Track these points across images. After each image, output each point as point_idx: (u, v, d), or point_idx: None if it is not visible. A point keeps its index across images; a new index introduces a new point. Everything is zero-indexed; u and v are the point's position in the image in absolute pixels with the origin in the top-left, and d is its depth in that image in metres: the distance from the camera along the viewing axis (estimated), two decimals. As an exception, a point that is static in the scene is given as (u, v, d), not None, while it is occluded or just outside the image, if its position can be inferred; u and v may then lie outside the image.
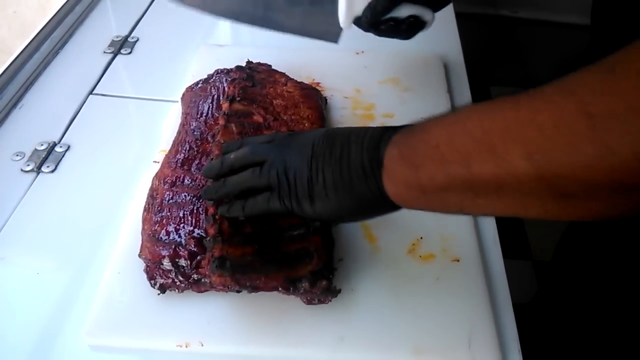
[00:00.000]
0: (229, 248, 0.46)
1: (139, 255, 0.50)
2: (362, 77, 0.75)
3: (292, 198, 0.43)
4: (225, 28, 0.89)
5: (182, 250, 0.49)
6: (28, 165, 0.62)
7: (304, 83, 0.69)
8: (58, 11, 0.84)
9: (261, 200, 0.45)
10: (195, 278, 0.49)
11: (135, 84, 0.76)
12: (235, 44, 0.83)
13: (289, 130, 0.59)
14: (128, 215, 0.56)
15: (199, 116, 0.62)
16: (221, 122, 0.58)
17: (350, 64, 0.76)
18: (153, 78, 0.77)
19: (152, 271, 0.49)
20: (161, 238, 0.50)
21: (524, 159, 0.31)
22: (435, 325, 0.48)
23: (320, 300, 0.49)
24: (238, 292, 0.49)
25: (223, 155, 0.50)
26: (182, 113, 0.65)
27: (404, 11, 0.59)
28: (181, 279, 0.49)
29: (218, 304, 0.49)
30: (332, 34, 0.63)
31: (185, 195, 0.53)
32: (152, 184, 0.56)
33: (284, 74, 0.69)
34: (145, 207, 0.54)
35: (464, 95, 0.75)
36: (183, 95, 0.68)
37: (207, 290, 0.50)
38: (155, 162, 0.61)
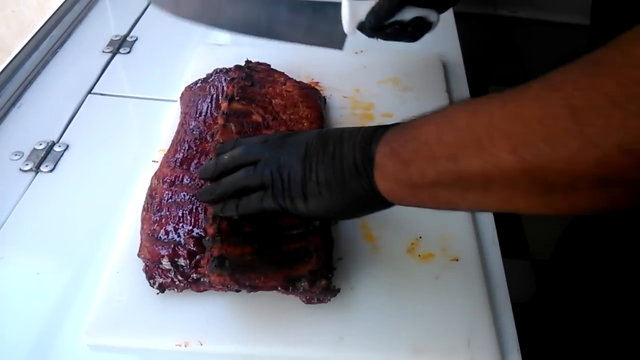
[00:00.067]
0: (228, 247, 0.46)
1: (138, 255, 0.50)
2: (361, 76, 0.75)
3: (285, 196, 0.44)
4: (224, 27, 0.89)
5: (181, 249, 0.49)
6: (27, 164, 0.62)
7: (303, 82, 0.69)
8: (57, 10, 0.84)
9: (255, 199, 0.45)
10: (195, 277, 0.49)
11: (134, 84, 0.76)
12: (234, 43, 0.83)
13: (288, 130, 0.59)
14: (127, 215, 0.56)
15: (198, 116, 0.62)
16: (220, 121, 0.58)
17: (350, 64, 0.76)
18: (152, 77, 0.76)
19: (151, 270, 0.49)
20: (160, 237, 0.50)
21: (510, 153, 0.31)
22: (434, 324, 0.48)
23: (320, 299, 0.48)
24: (237, 291, 0.49)
25: (217, 156, 0.50)
26: (181, 112, 0.65)
27: (408, 14, 0.58)
28: (180, 278, 0.49)
29: (217, 304, 0.49)
30: (336, 40, 0.63)
31: (184, 195, 0.53)
32: (151, 184, 0.56)
33: (283, 73, 0.69)
34: (144, 206, 0.54)
35: (463, 94, 0.75)
36: (182, 94, 0.67)
37: (206, 290, 0.50)
38: (154, 161, 0.61)
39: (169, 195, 0.53)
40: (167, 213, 0.52)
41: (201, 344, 0.46)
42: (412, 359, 0.46)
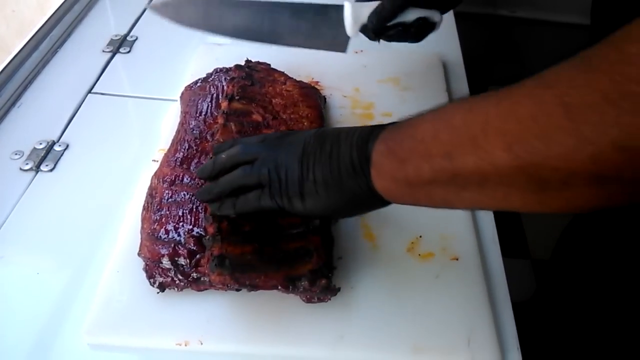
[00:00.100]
0: (228, 246, 0.46)
1: (138, 254, 0.50)
2: (361, 76, 0.75)
3: (283, 195, 0.44)
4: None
5: (182, 248, 0.49)
6: (27, 164, 0.62)
7: (303, 82, 0.69)
8: (57, 10, 0.84)
9: (252, 197, 0.45)
10: (195, 277, 0.49)
11: (134, 83, 0.76)
12: (234, 43, 0.83)
13: (288, 129, 0.59)
14: (127, 214, 0.56)
15: (198, 115, 0.62)
16: (220, 121, 0.58)
17: (350, 63, 0.76)
18: (152, 77, 0.76)
19: (152, 270, 0.49)
20: (160, 237, 0.50)
21: (504, 150, 0.31)
22: (434, 323, 0.48)
23: (320, 298, 0.49)
24: (237, 290, 0.49)
25: (215, 155, 0.50)
26: (181, 112, 0.65)
27: (410, 15, 0.58)
28: (180, 277, 0.49)
29: (217, 303, 0.49)
30: (339, 43, 0.62)
31: (184, 194, 0.53)
32: (151, 183, 0.56)
33: (283, 72, 0.69)
34: (144, 205, 0.54)
35: (463, 94, 0.75)
36: (182, 94, 0.67)
37: (206, 289, 0.50)
38: (155, 160, 0.61)
39: (169, 195, 0.53)
40: (167, 212, 0.52)
41: (201, 343, 0.46)
42: (412, 357, 0.46)
